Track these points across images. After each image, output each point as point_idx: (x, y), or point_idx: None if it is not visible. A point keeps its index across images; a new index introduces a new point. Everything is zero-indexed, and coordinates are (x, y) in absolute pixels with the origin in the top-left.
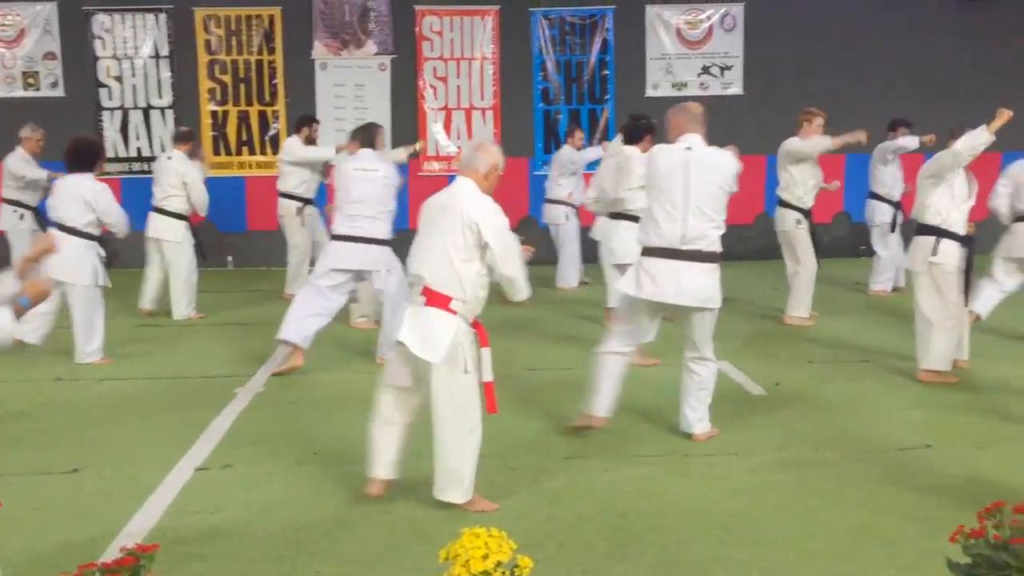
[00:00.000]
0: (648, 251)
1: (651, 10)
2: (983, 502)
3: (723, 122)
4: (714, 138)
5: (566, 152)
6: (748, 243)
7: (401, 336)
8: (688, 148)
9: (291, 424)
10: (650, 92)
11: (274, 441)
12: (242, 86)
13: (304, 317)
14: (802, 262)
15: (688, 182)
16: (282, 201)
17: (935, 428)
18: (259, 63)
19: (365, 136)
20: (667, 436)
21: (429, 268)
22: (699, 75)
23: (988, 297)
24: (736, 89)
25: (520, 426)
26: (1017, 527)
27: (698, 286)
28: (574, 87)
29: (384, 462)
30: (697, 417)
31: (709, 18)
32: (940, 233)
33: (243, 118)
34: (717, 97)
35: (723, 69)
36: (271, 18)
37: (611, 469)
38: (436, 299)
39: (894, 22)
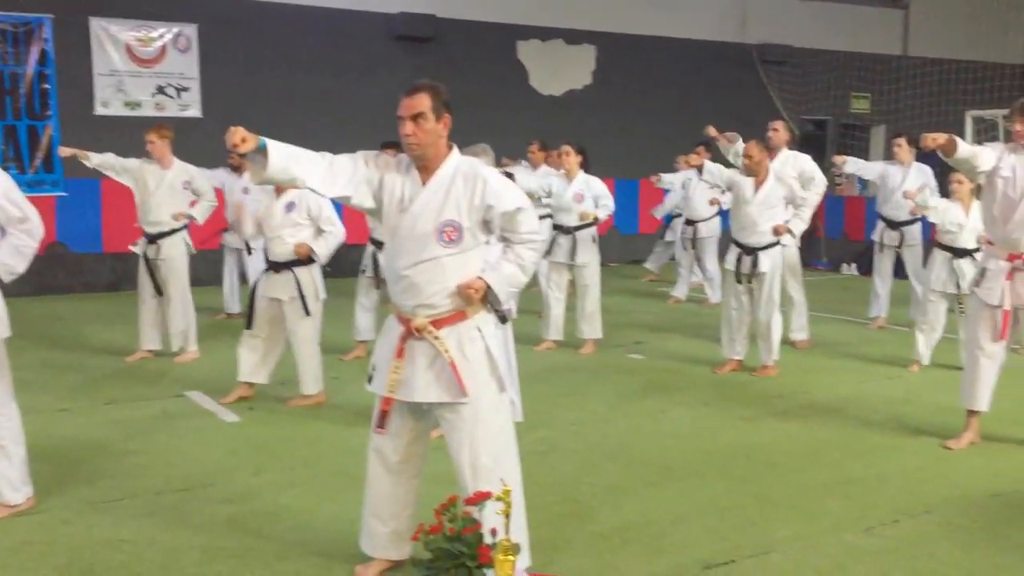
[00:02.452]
0: None
1: (96, 23)
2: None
3: (183, 144)
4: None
5: None
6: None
7: None
8: None
9: None
10: (100, 110)
11: None
12: None
13: None
14: None
15: None
16: None
17: None
18: None
19: None
20: (133, 478)
21: None
22: (154, 95)
23: None
24: (195, 112)
25: None
26: (468, 517)
27: None
28: (9, 100)
29: None
30: None
31: (162, 37)
32: None
33: None
34: (175, 119)
35: (180, 90)
36: None
37: (72, 520)
38: None
39: (343, 57)
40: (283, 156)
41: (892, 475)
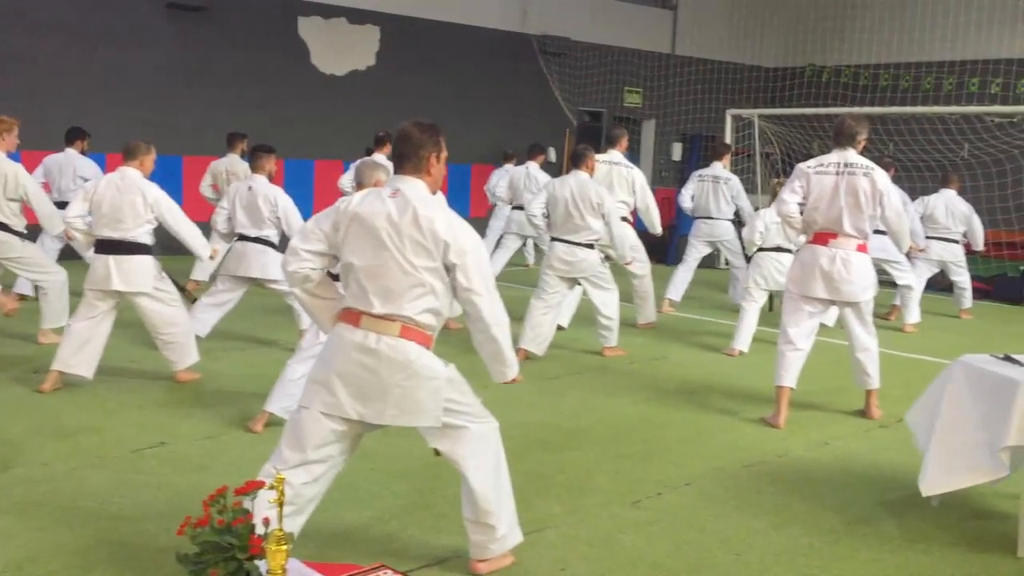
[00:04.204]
0: None
1: None
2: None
3: None
4: None
5: None
6: None
7: None
8: None
9: None
10: None
11: None
12: None
13: None
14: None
15: None
16: None
17: (166, 427)
18: None
19: None
20: None
21: None
22: None
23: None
24: None
25: None
26: (239, 508)
27: None
28: None
29: None
30: None
31: None
32: None
33: None
34: None
35: None
36: None
37: None
38: None
39: (103, 22)
40: None
41: (656, 451)
